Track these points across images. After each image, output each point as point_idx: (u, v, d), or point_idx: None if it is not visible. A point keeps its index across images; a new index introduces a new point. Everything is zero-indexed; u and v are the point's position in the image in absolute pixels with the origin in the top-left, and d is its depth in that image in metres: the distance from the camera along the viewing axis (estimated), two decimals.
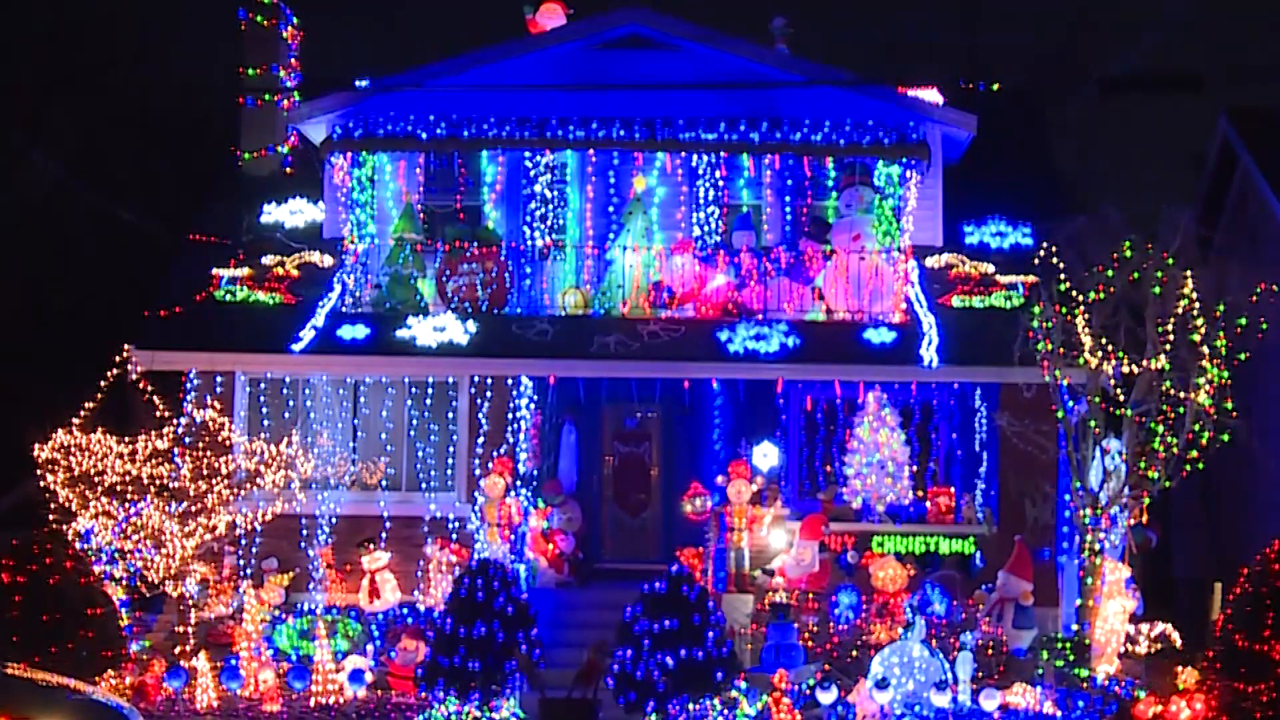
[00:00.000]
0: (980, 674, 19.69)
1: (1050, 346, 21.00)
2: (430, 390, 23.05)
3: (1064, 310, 21.02)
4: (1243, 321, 20.68)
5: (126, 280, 31.49)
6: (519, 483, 22.57)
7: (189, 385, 22.78)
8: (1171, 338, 20.57)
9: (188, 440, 21.62)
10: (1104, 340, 20.86)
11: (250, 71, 26.93)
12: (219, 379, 22.76)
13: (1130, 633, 21.17)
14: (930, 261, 24.49)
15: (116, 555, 20.91)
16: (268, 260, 24.55)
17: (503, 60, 24.64)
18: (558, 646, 19.48)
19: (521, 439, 22.97)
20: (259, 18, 26.89)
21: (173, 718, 18.93)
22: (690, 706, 17.79)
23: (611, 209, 24.63)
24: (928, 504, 22.83)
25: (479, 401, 22.86)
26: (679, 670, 17.64)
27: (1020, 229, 25.03)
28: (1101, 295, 20.78)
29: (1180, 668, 19.65)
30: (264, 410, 22.97)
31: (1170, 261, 20.62)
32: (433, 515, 22.68)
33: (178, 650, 20.72)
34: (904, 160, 24.00)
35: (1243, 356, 20.71)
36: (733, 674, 18.33)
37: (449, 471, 22.94)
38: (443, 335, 22.82)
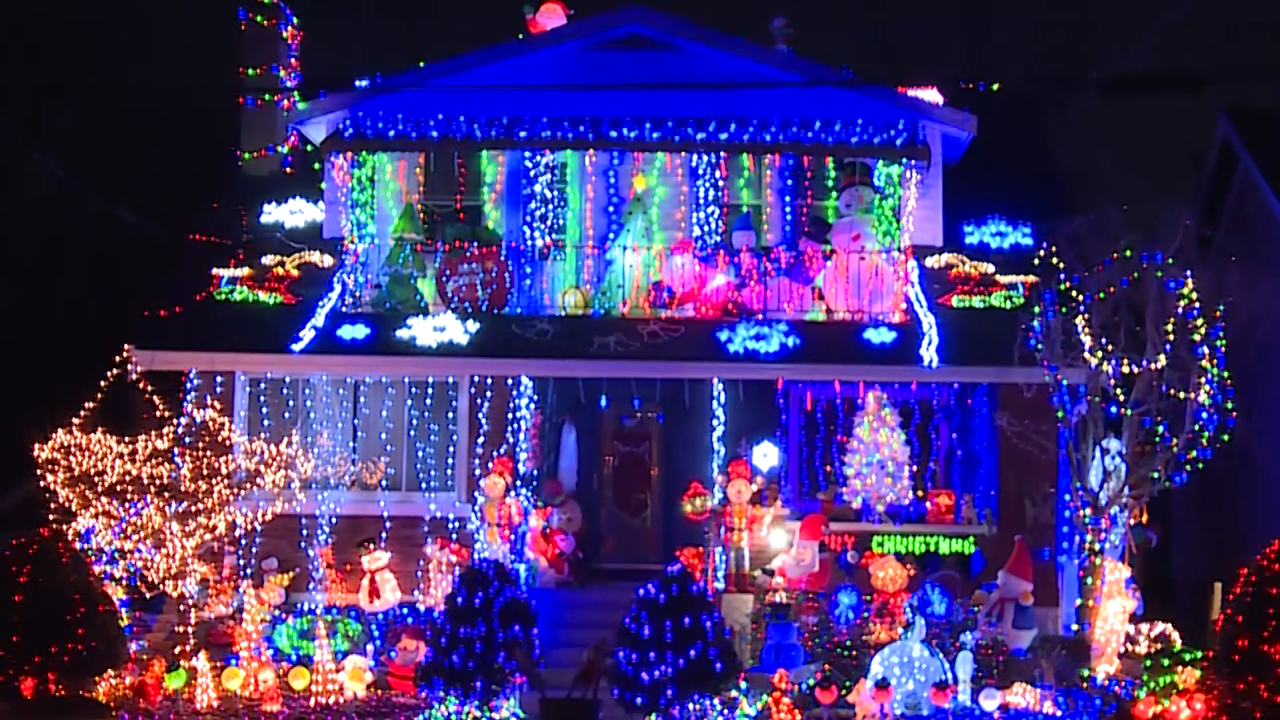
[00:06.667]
0: (980, 674, 19.69)
1: (1050, 346, 21.00)
2: (430, 390, 23.05)
3: (1064, 310, 21.02)
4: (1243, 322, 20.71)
5: (126, 280, 31.50)
6: (519, 483, 22.57)
7: (189, 385, 22.78)
8: (1171, 338, 20.57)
9: (188, 440, 21.63)
10: (1104, 340, 20.86)
11: (250, 71, 26.93)
12: (219, 379, 22.75)
13: (1130, 633, 21.17)
14: (930, 261, 24.49)
15: (116, 555, 20.93)
16: (268, 260, 24.56)
17: (503, 60, 24.65)
18: (558, 646, 19.47)
19: (521, 439, 22.96)
20: (259, 18, 26.90)
21: (173, 718, 18.94)
22: (690, 706, 17.79)
23: (611, 209, 24.65)
24: (927, 504, 22.82)
25: (479, 401, 22.87)
26: (679, 670, 17.63)
27: (1020, 229, 25.04)
28: (1101, 295, 20.79)
29: (1180, 668, 19.65)
30: (264, 410, 22.97)
31: (1170, 261, 20.63)
32: (433, 515, 22.68)
33: (178, 650, 20.72)
34: (904, 160, 24.00)
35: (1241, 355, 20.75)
36: (733, 674, 18.32)
37: (449, 471, 22.94)
38: (443, 335, 22.82)
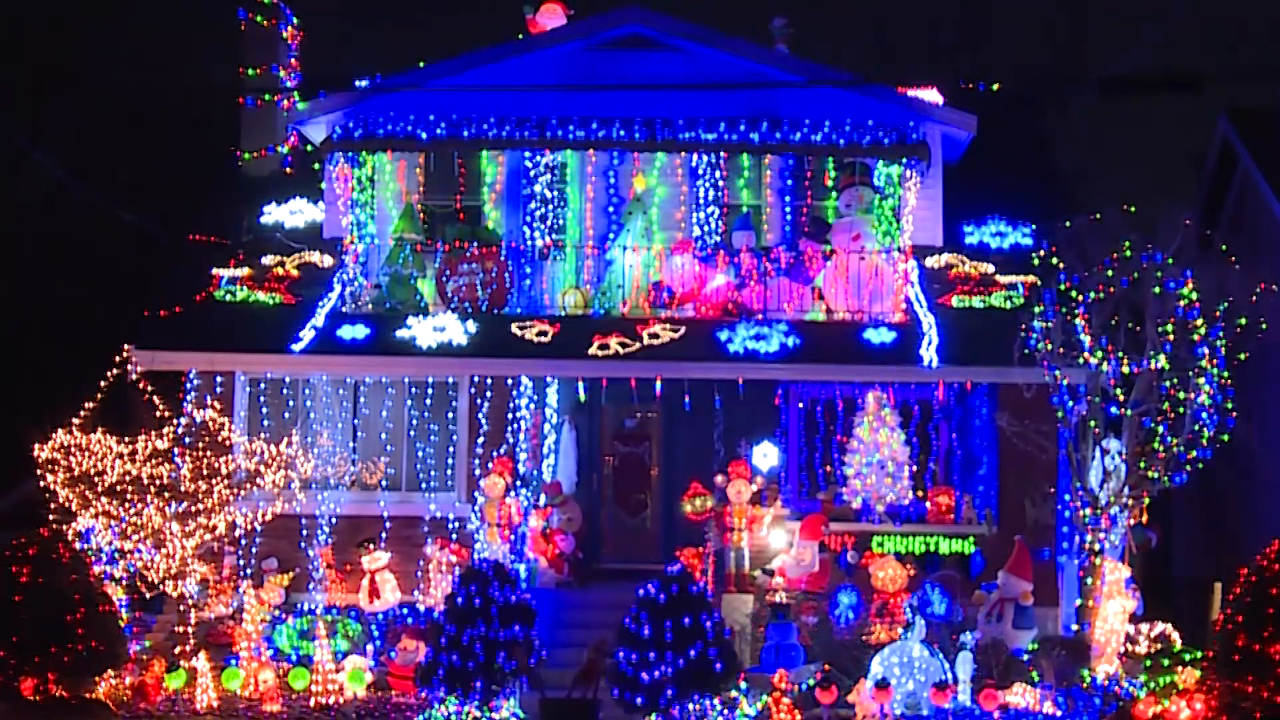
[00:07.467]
0: (980, 674, 19.69)
1: (1050, 346, 21.00)
2: (430, 390, 23.05)
3: (1064, 310, 21.02)
4: (1243, 321, 20.70)
5: (126, 280, 31.52)
6: (519, 483, 22.57)
7: (189, 385, 22.78)
8: (1171, 338, 20.57)
9: (188, 440, 21.62)
10: (1104, 340, 20.86)
11: (250, 71, 26.93)
12: (219, 379, 22.75)
13: (1130, 633, 21.16)
14: (930, 261, 24.49)
15: (116, 555, 20.92)
16: (268, 260, 24.56)
17: (503, 60, 24.65)
18: (558, 646, 19.47)
19: (521, 439, 22.96)
20: (259, 18, 26.90)
21: (173, 718, 18.94)
22: (690, 707, 17.79)
23: (611, 209, 24.65)
24: (927, 504, 22.81)
25: (479, 401, 22.86)
26: (679, 670, 17.64)
27: (1020, 229, 25.05)
28: (1101, 295, 20.79)
29: (1180, 668, 19.64)
30: (264, 410, 22.97)
31: (1170, 261, 20.64)
32: (433, 515, 22.68)
33: (178, 650, 20.72)
34: (904, 160, 24.00)
35: (1242, 356, 20.74)
36: (733, 674, 18.32)
37: (449, 471, 22.94)
38: (443, 335, 22.82)
